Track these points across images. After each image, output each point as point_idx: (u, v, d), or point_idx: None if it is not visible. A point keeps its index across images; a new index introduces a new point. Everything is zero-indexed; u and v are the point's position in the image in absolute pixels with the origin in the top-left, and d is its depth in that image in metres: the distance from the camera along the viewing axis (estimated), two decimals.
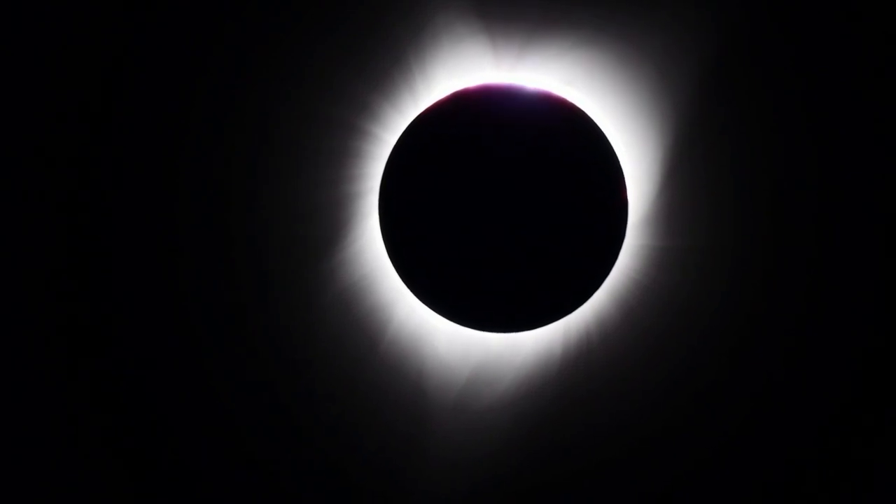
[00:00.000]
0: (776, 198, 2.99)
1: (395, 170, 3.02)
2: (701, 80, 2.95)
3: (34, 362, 3.07)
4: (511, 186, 2.95)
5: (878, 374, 3.00)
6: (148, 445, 3.11)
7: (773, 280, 3.01)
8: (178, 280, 3.08)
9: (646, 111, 2.99)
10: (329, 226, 3.07)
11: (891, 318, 2.99)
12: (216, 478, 3.13)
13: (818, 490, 3.04)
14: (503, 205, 2.95)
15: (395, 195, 3.01)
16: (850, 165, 2.94)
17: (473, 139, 2.96)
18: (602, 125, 3.00)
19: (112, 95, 2.99)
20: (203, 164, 3.02)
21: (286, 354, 3.11)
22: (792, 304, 3.01)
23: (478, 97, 2.99)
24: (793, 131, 2.96)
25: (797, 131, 2.96)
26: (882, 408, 3.00)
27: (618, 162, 3.01)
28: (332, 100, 2.98)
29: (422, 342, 3.10)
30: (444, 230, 2.96)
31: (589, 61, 2.98)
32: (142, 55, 2.98)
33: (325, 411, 3.11)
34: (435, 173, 2.96)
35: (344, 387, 3.11)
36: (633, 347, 3.05)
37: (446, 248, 2.97)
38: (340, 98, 2.98)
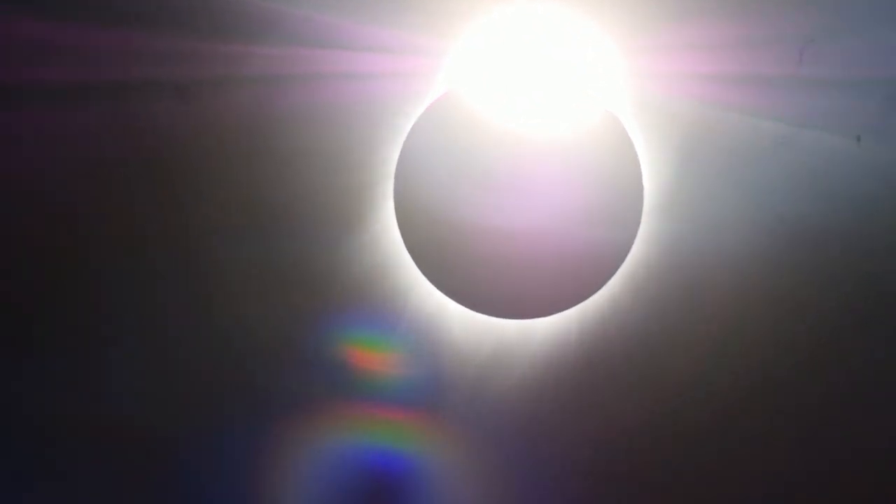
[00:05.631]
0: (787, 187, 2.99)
1: (410, 156, 3.02)
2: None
3: None
4: (526, 173, 2.96)
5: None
6: None
7: (784, 268, 3.01)
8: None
9: (663, 98, 2.99)
10: (342, 213, 3.08)
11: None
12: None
13: (827, 473, 3.03)
14: (519, 191, 2.95)
15: (410, 181, 3.02)
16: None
17: (489, 125, 2.97)
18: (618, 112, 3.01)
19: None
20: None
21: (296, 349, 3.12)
22: (803, 291, 3.01)
23: (492, 85, 3.00)
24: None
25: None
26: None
27: (634, 149, 3.01)
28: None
29: (437, 329, 3.11)
30: (459, 216, 2.97)
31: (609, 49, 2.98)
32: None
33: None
34: (450, 159, 2.97)
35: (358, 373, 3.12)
36: (648, 333, 3.05)
37: (461, 235, 2.97)
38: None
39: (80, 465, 3.07)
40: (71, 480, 3.08)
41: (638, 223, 3.02)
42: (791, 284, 2.99)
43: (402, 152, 3.03)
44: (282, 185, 3.07)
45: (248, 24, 2.96)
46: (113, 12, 2.92)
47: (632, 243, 3.02)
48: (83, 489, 3.09)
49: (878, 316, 2.93)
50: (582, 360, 3.08)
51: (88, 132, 3.02)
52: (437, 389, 3.12)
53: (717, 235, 3.01)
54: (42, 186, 3.04)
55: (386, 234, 3.08)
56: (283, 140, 3.05)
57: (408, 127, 3.02)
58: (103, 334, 3.10)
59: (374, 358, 3.09)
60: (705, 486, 3.06)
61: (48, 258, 3.08)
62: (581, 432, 3.09)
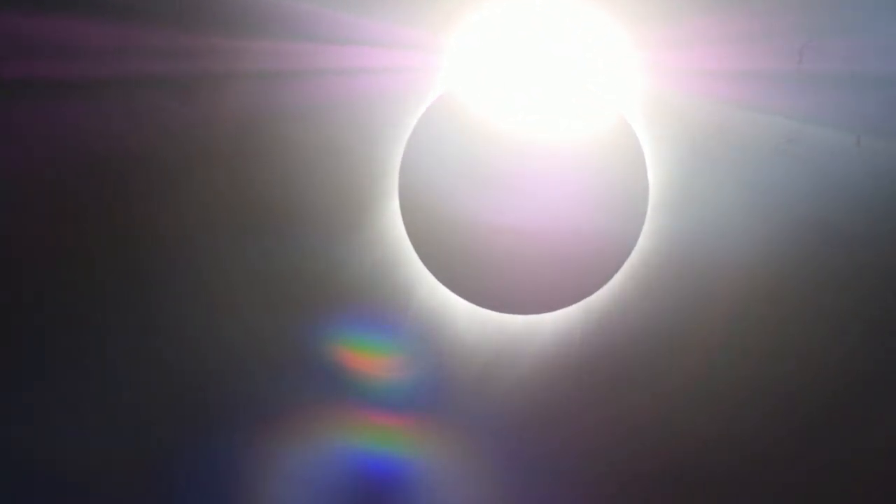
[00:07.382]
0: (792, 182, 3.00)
1: (414, 151, 3.00)
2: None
3: None
4: (531, 169, 2.94)
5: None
6: None
7: (788, 263, 3.02)
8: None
9: (667, 93, 2.98)
10: (346, 210, 3.05)
11: None
12: None
13: (830, 470, 3.08)
14: (524, 187, 2.94)
15: (415, 176, 3.00)
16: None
17: (494, 121, 2.95)
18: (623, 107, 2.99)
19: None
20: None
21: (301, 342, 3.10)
22: (807, 287, 3.03)
23: (497, 80, 2.97)
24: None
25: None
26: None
27: (639, 144, 3.00)
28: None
29: (441, 324, 3.10)
30: (464, 212, 2.95)
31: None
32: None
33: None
34: (455, 155, 2.95)
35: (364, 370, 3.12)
36: (653, 329, 3.06)
37: (466, 231, 2.96)
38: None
39: (74, 468, 3.06)
40: (68, 482, 3.08)
41: (643, 219, 3.02)
42: (795, 280, 3.01)
43: (406, 148, 3.00)
44: (283, 182, 3.04)
45: (248, 20, 2.92)
46: (111, 8, 2.86)
47: (637, 239, 3.02)
48: (80, 492, 3.08)
49: (880, 312, 2.96)
50: (587, 356, 3.09)
51: (86, 128, 2.97)
52: (442, 385, 3.12)
53: (722, 231, 3.01)
54: (40, 183, 2.99)
55: (390, 231, 3.07)
56: (284, 136, 3.02)
57: (412, 123, 2.99)
58: (99, 332, 3.07)
59: (379, 360, 3.09)
60: (710, 482, 3.10)
61: (45, 255, 3.04)
62: (586, 427, 3.10)
